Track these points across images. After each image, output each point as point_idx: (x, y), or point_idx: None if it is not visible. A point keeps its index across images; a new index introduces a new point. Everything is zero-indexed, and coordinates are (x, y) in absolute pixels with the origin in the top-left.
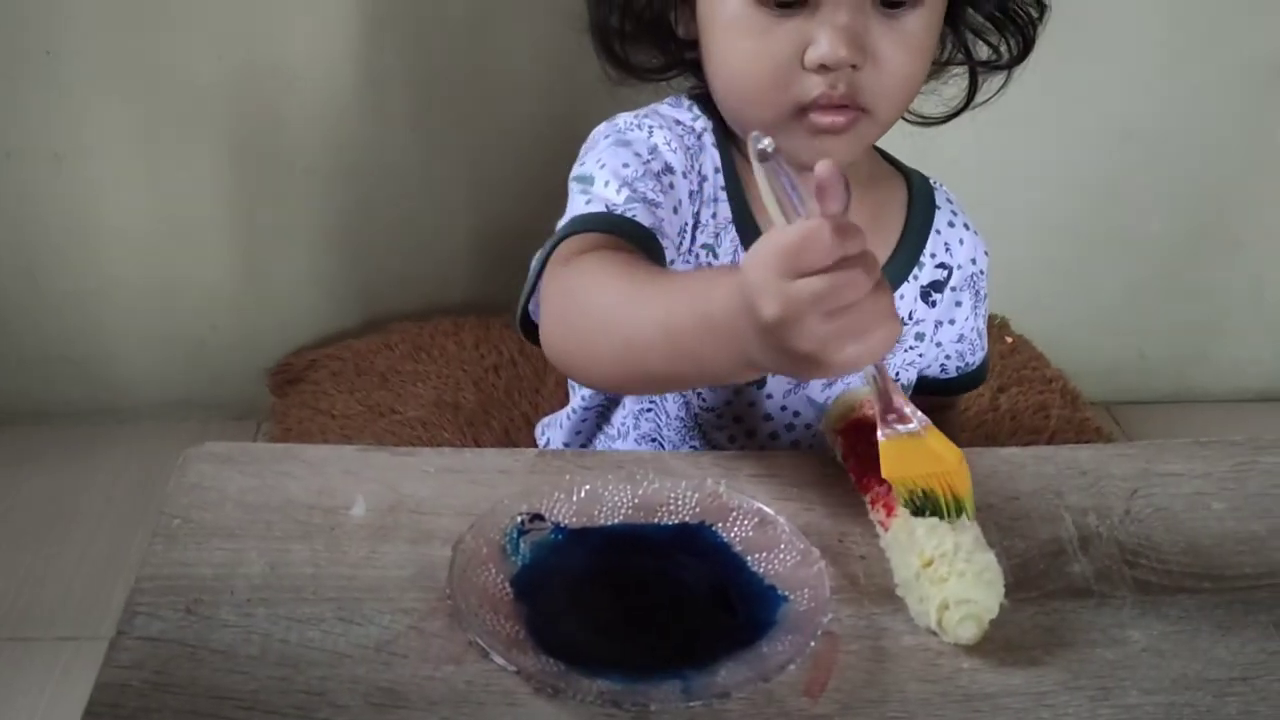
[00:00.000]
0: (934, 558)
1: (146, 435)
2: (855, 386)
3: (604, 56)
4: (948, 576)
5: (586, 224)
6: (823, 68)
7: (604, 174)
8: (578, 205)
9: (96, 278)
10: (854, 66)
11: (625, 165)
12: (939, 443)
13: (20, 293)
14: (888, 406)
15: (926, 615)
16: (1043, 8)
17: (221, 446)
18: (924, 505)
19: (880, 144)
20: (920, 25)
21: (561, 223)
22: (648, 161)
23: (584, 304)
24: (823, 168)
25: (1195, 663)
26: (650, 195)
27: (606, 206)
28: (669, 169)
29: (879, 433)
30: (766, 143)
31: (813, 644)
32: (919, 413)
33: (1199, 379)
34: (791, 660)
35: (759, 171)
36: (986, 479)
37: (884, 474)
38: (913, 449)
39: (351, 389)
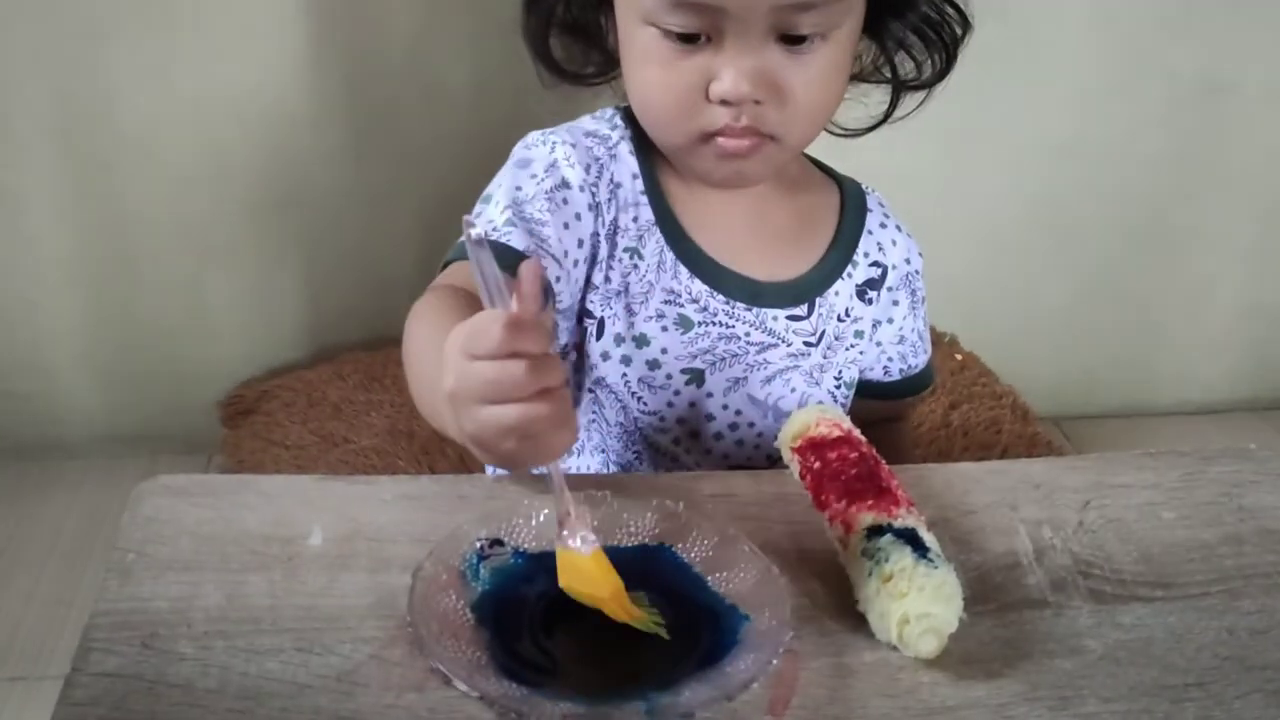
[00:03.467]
0: (893, 573)
1: (96, 470)
2: (812, 404)
3: (537, 59)
4: (907, 591)
5: (462, 251)
6: (725, 101)
7: (499, 194)
8: None
9: (42, 313)
10: (757, 101)
11: (519, 188)
12: (601, 570)
13: None
14: (563, 517)
15: (887, 630)
16: (967, 25)
17: (175, 479)
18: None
19: (819, 159)
20: (826, 60)
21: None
22: (541, 180)
23: (408, 335)
24: (525, 267)
25: (1151, 670)
26: (537, 216)
27: (485, 232)
28: (564, 184)
29: (556, 540)
30: (475, 232)
31: (775, 662)
32: (592, 535)
33: (1143, 393)
34: (754, 679)
35: (471, 254)
36: (941, 493)
37: (560, 582)
38: (578, 568)
39: (304, 419)
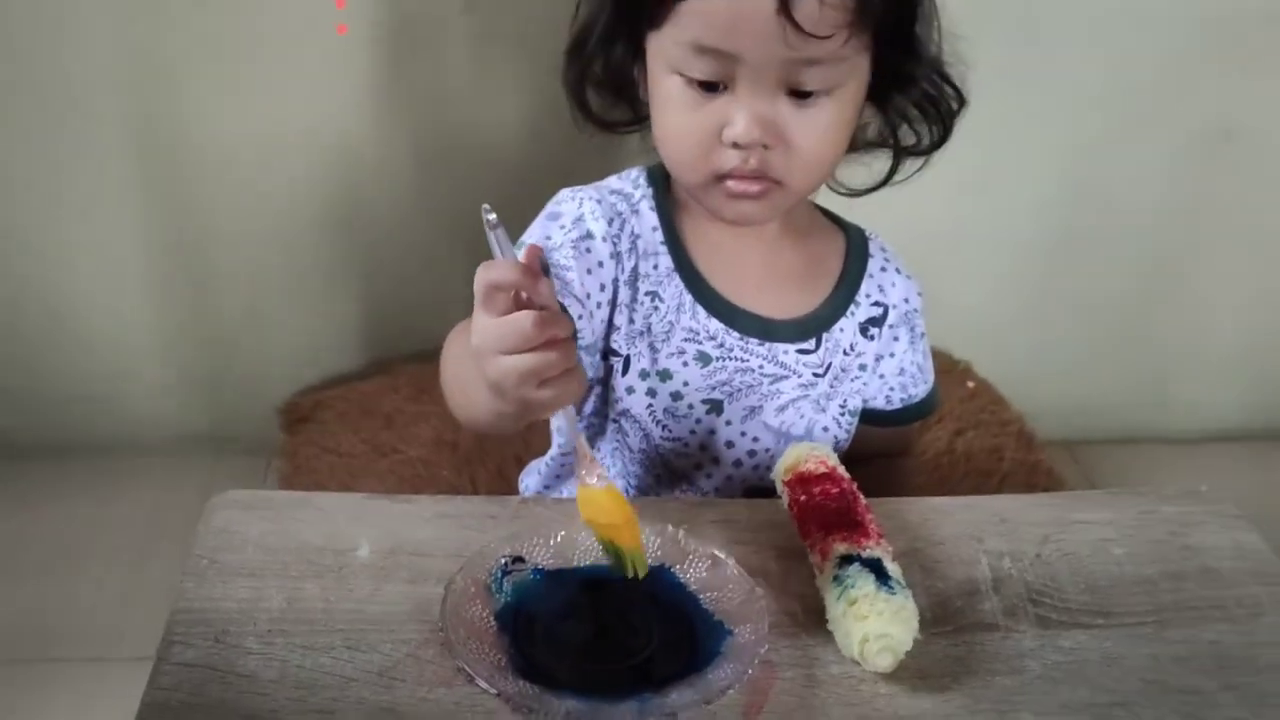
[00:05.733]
0: (858, 598)
1: (163, 469)
2: (804, 442)
3: (573, 105)
4: (868, 614)
5: None
6: (736, 145)
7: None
8: None
9: (118, 324)
10: (765, 146)
11: (548, 237)
12: (613, 502)
13: (47, 335)
14: (580, 458)
15: (850, 647)
16: (962, 101)
17: (242, 494)
18: (609, 549)
19: (848, 204)
20: (830, 114)
21: None
22: (569, 231)
23: (443, 354)
24: (527, 247)
25: (1082, 689)
26: (562, 261)
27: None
28: (589, 235)
29: (578, 480)
30: (492, 218)
31: (750, 672)
32: (605, 473)
33: (1156, 420)
34: (731, 686)
35: (489, 235)
36: (917, 526)
37: (581, 514)
38: (595, 501)
39: (356, 429)
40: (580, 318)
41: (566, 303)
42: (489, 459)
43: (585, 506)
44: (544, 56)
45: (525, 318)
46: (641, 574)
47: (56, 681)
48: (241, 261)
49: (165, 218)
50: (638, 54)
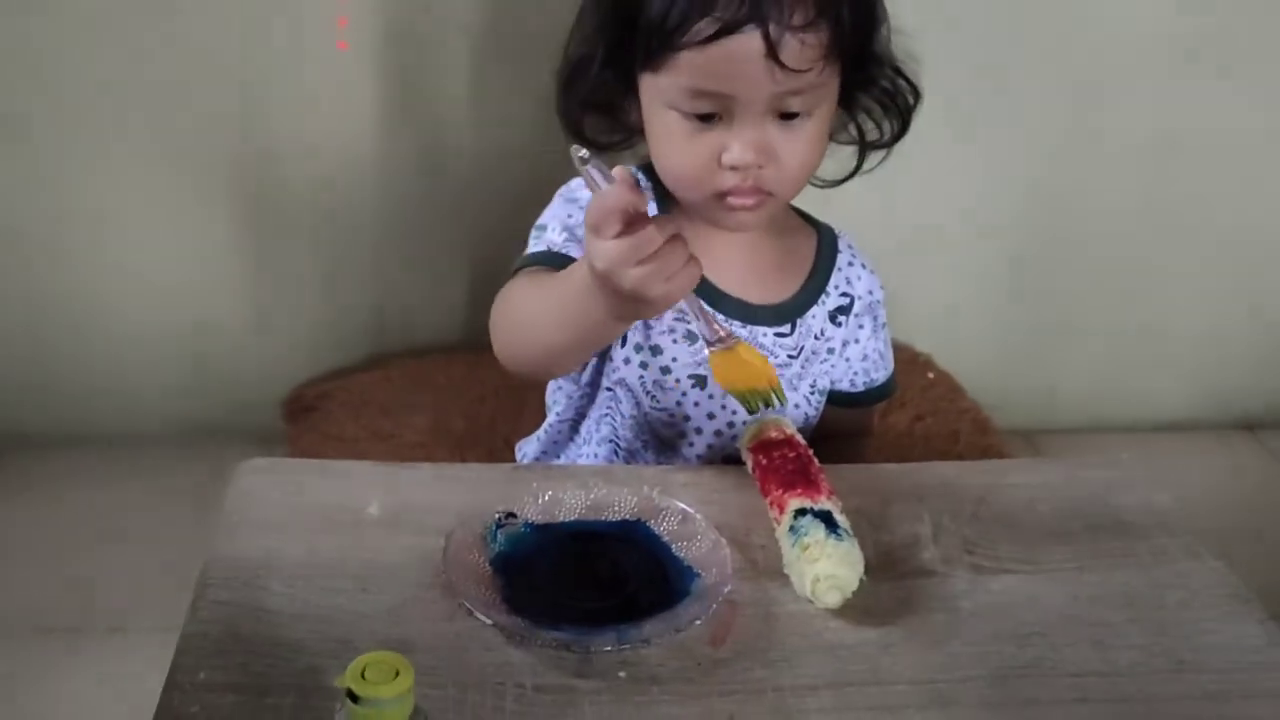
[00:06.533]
0: (810, 544)
1: (175, 457)
2: (766, 415)
3: (567, 130)
4: (819, 558)
5: (531, 260)
6: (734, 168)
7: (553, 223)
8: (531, 246)
9: (130, 322)
10: (759, 166)
11: (570, 216)
12: (750, 353)
13: (65, 335)
14: (709, 330)
15: (803, 587)
16: (918, 95)
17: (265, 461)
18: (751, 400)
19: (823, 207)
20: (811, 130)
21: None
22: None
23: (507, 306)
24: (619, 168)
25: (1006, 623)
26: (581, 238)
27: (548, 246)
28: None
29: (707, 350)
30: (583, 154)
31: (714, 607)
32: (733, 333)
33: (1105, 411)
34: (697, 618)
35: (582, 171)
36: (869, 488)
37: (718, 381)
38: (733, 361)
39: (357, 417)
40: None
41: None
42: (480, 443)
43: (721, 370)
44: (538, 73)
45: (649, 229)
46: (784, 402)
47: (82, 649)
48: (248, 265)
49: (175, 225)
50: (629, 87)
